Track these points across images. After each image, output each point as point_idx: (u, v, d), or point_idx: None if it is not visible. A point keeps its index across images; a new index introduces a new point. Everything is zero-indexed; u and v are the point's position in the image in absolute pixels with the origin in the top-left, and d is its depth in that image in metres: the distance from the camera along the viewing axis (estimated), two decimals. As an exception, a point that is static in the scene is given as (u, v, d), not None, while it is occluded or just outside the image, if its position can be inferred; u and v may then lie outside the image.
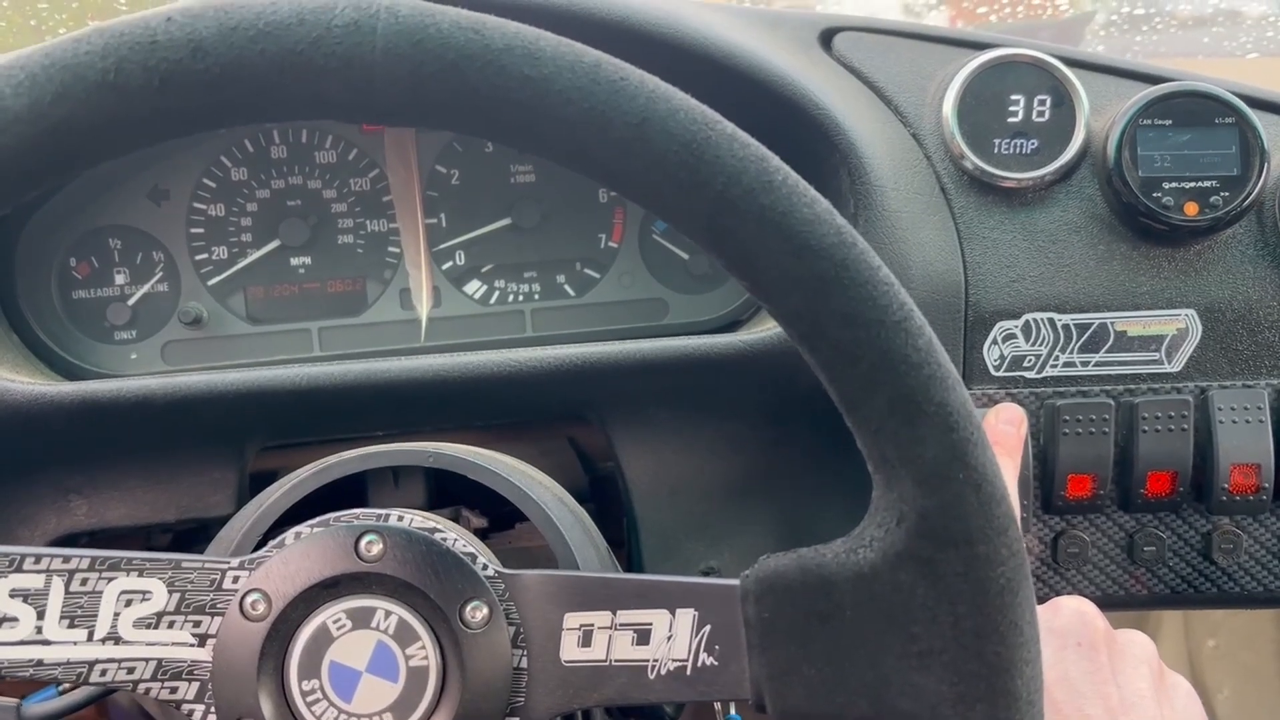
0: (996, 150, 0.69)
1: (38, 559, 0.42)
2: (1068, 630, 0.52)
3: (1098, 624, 0.52)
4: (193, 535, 0.71)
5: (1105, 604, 0.73)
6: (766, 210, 0.38)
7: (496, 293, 0.79)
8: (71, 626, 0.42)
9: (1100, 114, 0.70)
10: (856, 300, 0.38)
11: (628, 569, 0.74)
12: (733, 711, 0.69)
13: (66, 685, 0.58)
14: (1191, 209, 0.67)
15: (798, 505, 0.74)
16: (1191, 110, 0.68)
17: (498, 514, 0.67)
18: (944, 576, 0.38)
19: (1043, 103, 0.69)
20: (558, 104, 0.37)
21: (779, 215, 0.38)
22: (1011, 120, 0.69)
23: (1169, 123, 0.68)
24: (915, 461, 0.38)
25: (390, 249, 0.78)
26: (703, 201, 0.38)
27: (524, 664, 0.43)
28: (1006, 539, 0.39)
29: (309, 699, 0.43)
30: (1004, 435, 0.62)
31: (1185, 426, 0.68)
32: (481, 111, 0.38)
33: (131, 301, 0.75)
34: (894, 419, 0.38)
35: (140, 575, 0.43)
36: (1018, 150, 0.69)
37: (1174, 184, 0.67)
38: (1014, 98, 0.69)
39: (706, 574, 0.73)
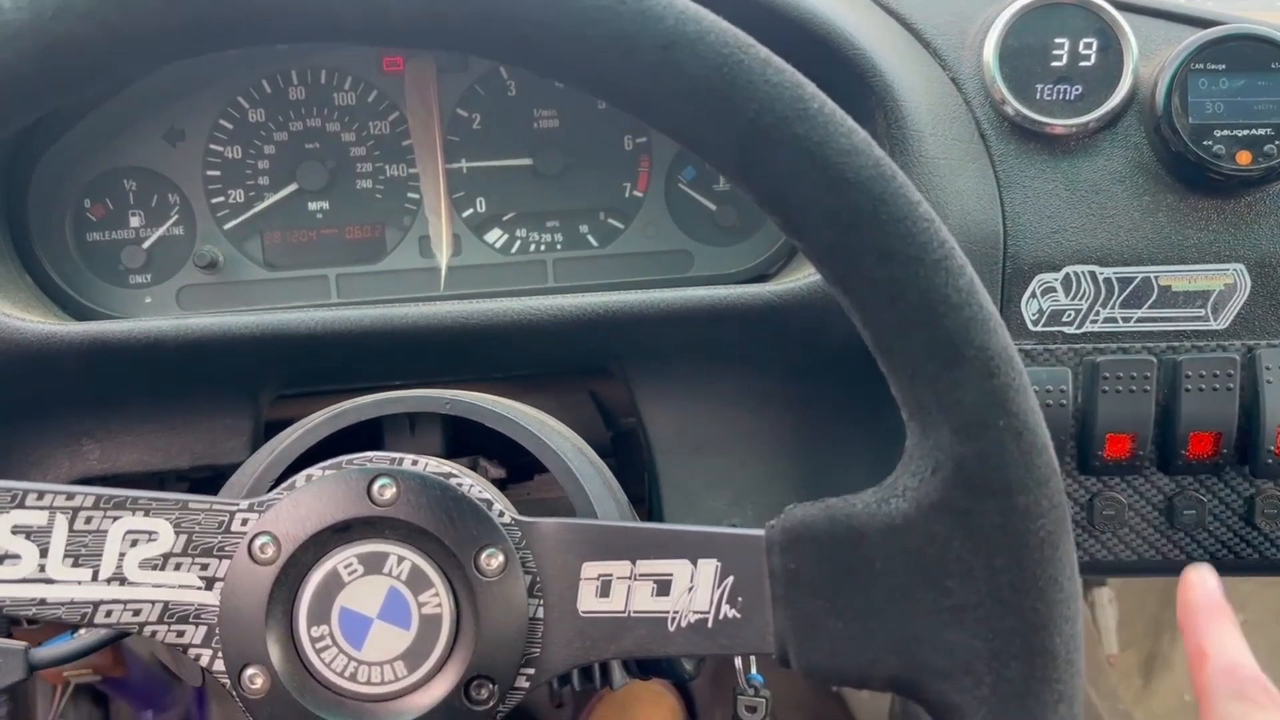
0: (1039, 96, 0.67)
1: (40, 495, 0.41)
2: None
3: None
4: (207, 484, 0.70)
5: (1141, 569, 0.71)
6: (801, 140, 0.36)
7: (518, 242, 0.78)
8: (75, 565, 0.41)
9: (1149, 59, 0.67)
10: (894, 236, 0.36)
11: (648, 525, 0.73)
12: (753, 670, 0.68)
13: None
14: (1244, 158, 0.64)
15: (823, 462, 0.72)
16: (1245, 54, 0.65)
17: (516, 465, 0.66)
18: (981, 528, 0.37)
19: (1088, 46, 0.66)
20: (580, 24, 0.35)
21: (814, 145, 0.36)
22: (1055, 64, 0.67)
23: (1221, 67, 0.65)
24: (953, 407, 0.36)
25: (410, 195, 0.76)
26: (733, 130, 0.36)
27: (540, 614, 0.42)
28: (1048, 490, 0.37)
29: (318, 646, 0.42)
30: (1210, 595, 0.54)
31: (1231, 386, 0.66)
32: (500, 33, 0.36)
33: (146, 245, 0.74)
34: (932, 362, 0.36)
35: (146, 515, 0.42)
36: (1061, 96, 0.67)
37: (1226, 132, 0.64)
38: (1058, 41, 0.66)
39: None
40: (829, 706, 1.30)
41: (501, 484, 0.63)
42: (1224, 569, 0.71)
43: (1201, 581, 0.55)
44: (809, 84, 0.37)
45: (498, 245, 0.77)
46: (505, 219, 0.77)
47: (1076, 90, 0.66)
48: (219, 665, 0.42)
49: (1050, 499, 0.37)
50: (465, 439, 0.62)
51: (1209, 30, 0.66)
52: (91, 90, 0.36)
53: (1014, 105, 0.66)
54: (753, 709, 0.66)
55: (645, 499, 0.74)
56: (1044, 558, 0.37)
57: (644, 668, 0.70)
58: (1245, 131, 0.64)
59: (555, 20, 0.35)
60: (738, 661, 0.67)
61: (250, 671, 0.42)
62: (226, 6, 0.35)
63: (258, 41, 0.36)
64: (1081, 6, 0.67)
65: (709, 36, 0.36)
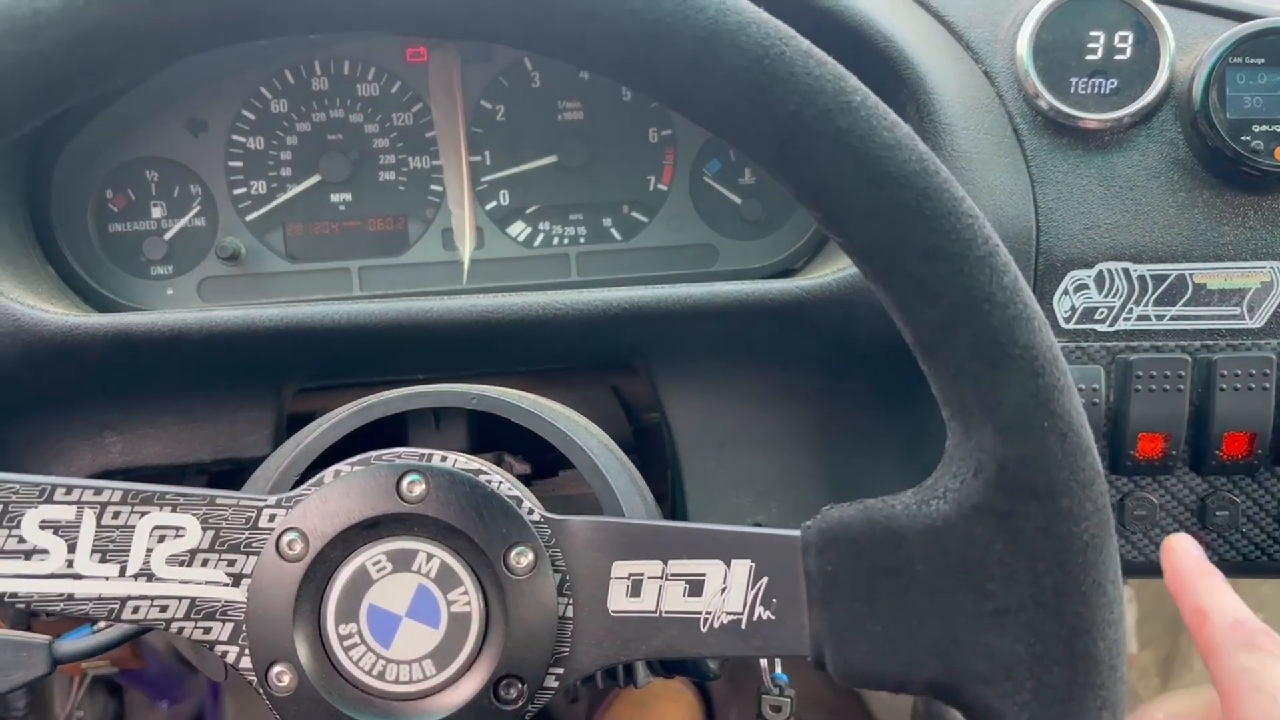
0: (1073, 90, 0.66)
1: (69, 490, 0.40)
2: None
3: None
4: (228, 477, 0.70)
5: (1171, 570, 0.70)
6: (843, 133, 0.35)
7: (541, 235, 0.77)
8: (103, 561, 0.41)
9: (1186, 52, 0.66)
10: (939, 233, 0.35)
11: (671, 522, 0.72)
12: (778, 670, 0.67)
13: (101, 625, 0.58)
14: (1283, 154, 0.63)
15: (849, 459, 0.71)
16: (1285, 48, 0.64)
17: (541, 461, 0.65)
18: (1024, 531, 0.36)
19: (1124, 39, 0.65)
20: (620, 15, 0.35)
21: (857, 139, 0.35)
22: (1090, 58, 0.66)
23: (1260, 61, 0.64)
24: (997, 408, 0.36)
25: (433, 187, 0.76)
26: (774, 123, 0.35)
27: (569, 613, 0.42)
28: (1092, 493, 0.36)
29: (346, 643, 0.41)
30: (1200, 560, 0.54)
31: (1267, 386, 0.65)
32: (538, 21, 0.35)
33: (168, 236, 0.74)
34: (975, 362, 0.36)
35: (174, 511, 0.41)
36: (1096, 90, 0.66)
37: (1264, 127, 0.63)
38: (1093, 34, 0.65)
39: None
40: (849, 705, 1.29)
41: (526, 480, 0.62)
42: (1257, 571, 0.71)
43: (1185, 548, 0.55)
44: (851, 77, 0.36)
45: (520, 238, 0.77)
46: (528, 212, 0.77)
47: (1112, 84, 0.65)
48: (245, 662, 0.42)
49: (1094, 501, 0.36)
50: (490, 434, 0.62)
51: (1248, 23, 0.64)
52: (125, 78, 0.36)
53: (1048, 99, 0.65)
54: (777, 708, 0.66)
55: (667, 495, 0.73)
56: (1087, 561, 0.36)
57: (668, 666, 0.70)
58: (1284, 127, 0.63)
59: (595, 10, 0.35)
60: (763, 661, 0.67)
61: (277, 669, 0.41)
62: None
63: (294, 32, 0.36)
64: (1117, -1, 0.66)
65: (751, 28, 0.35)
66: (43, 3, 0.34)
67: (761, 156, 0.37)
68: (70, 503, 0.40)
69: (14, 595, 0.40)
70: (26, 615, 0.77)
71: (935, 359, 0.37)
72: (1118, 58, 0.65)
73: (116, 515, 0.41)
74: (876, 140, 0.35)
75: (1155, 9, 0.65)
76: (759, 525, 0.71)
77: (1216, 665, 0.49)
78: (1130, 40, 0.65)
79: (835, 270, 0.65)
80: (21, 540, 0.40)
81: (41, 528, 0.40)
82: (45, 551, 0.40)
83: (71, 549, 0.40)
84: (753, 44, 0.35)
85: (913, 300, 0.36)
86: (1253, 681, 0.46)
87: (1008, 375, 0.35)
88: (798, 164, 0.36)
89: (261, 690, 0.41)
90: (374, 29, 0.36)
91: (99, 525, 0.41)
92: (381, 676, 0.41)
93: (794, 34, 0.36)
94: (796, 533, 0.40)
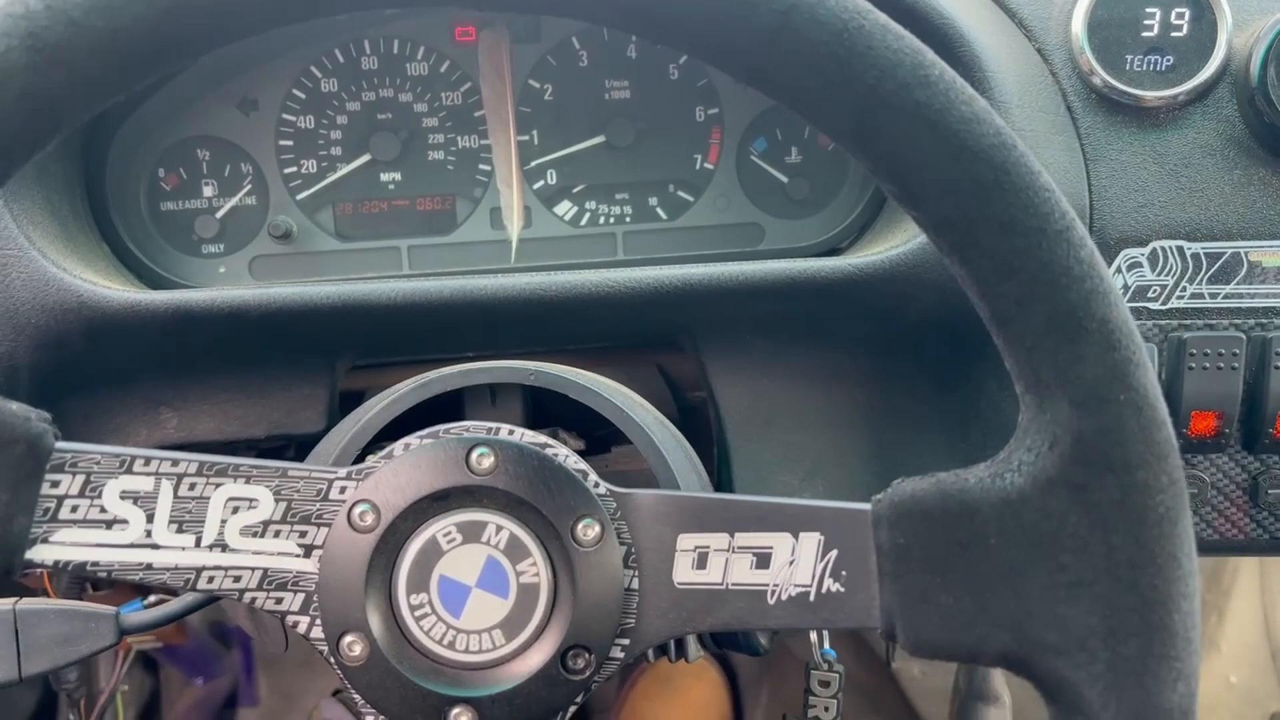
0: (1128, 67, 0.65)
1: (147, 461, 0.41)
2: None
3: None
4: (277, 454, 0.71)
5: (1223, 548, 0.70)
6: (922, 107, 0.35)
7: (588, 214, 0.77)
8: (180, 532, 0.41)
9: (1243, 29, 0.66)
10: (1016, 207, 0.35)
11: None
12: (826, 645, 0.68)
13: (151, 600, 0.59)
14: (1341, 131, 0.62)
15: (896, 438, 0.71)
16: (1345, 24, 0.63)
17: (590, 438, 0.66)
18: (1099, 504, 0.36)
19: (1180, 15, 0.65)
20: None
21: (935, 113, 0.35)
22: (1146, 35, 0.65)
23: (1319, 38, 0.63)
24: (1074, 381, 0.36)
25: (481, 166, 0.76)
26: (852, 96, 0.35)
27: (635, 585, 0.42)
28: (1167, 465, 0.36)
29: (417, 613, 0.42)
30: None
31: (1322, 364, 0.65)
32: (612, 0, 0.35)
33: (220, 214, 0.74)
34: (1052, 336, 0.36)
35: (247, 483, 0.42)
36: (1151, 67, 0.65)
37: (1322, 104, 0.63)
38: (1149, 10, 0.65)
39: None
40: (882, 685, 1.30)
41: (581, 455, 0.63)
42: (1308, 550, 0.70)
43: None
44: (929, 51, 0.36)
45: (567, 217, 0.77)
46: (575, 191, 0.77)
47: (1168, 61, 0.65)
48: (317, 632, 0.42)
49: (1169, 475, 0.36)
50: (544, 410, 0.62)
51: (1306, -1, 0.64)
52: (197, 57, 0.36)
53: (1102, 76, 0.65)
54: (826, 684, 0.66)
55: (713, 474, 0.74)
56: (1163, 534, 0.36)
57: (719, 641, 0.70)
58: (1343, 104, 0.63)
59: None
60: (812, 636, 0.67)
61: (349, 639, 0.42)
62: None
63: (370, 7, 0.36)
64: (1174, -25, 0.65)
65: (829, 2, 0.35)
66: None
67: (838, 131, 0.37)
68: (149, 474, 0.41)
69: (95, 564, 0.40)
70: (79, 587, 0.78)
71: (1011, 332, 0.37)
72: (1174, 34, 0.65)
73: (193, 486, 0.41)
74: (954, 114, 0.35)
75: (1212, -15, 0.65)
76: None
77: None
78: (1187, 17, 0.65)
79: (886, 249, 0.65)
80: (103, 510, 0.40)
81: (121, 498, 0.41)
82: (125, 522, 0.41)
83: (150, 519, 0.41)
84: (831, 18, 0.35)
85: (989, 274, 0.36)
86: None
87: (1084, 349, 0.36)
88: (875, 138, 0.36)
89: (333, 660, 0.42)
90: (445, 4, 0.36)
91: (176, 496, 0.41)
92: (452, 646, 0.42)
93: (871, 8, 0.36)
94: (867, 506, 0.40)
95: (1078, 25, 0.65)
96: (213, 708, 1.39)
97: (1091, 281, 0.36)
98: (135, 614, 0.54)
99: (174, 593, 0.53)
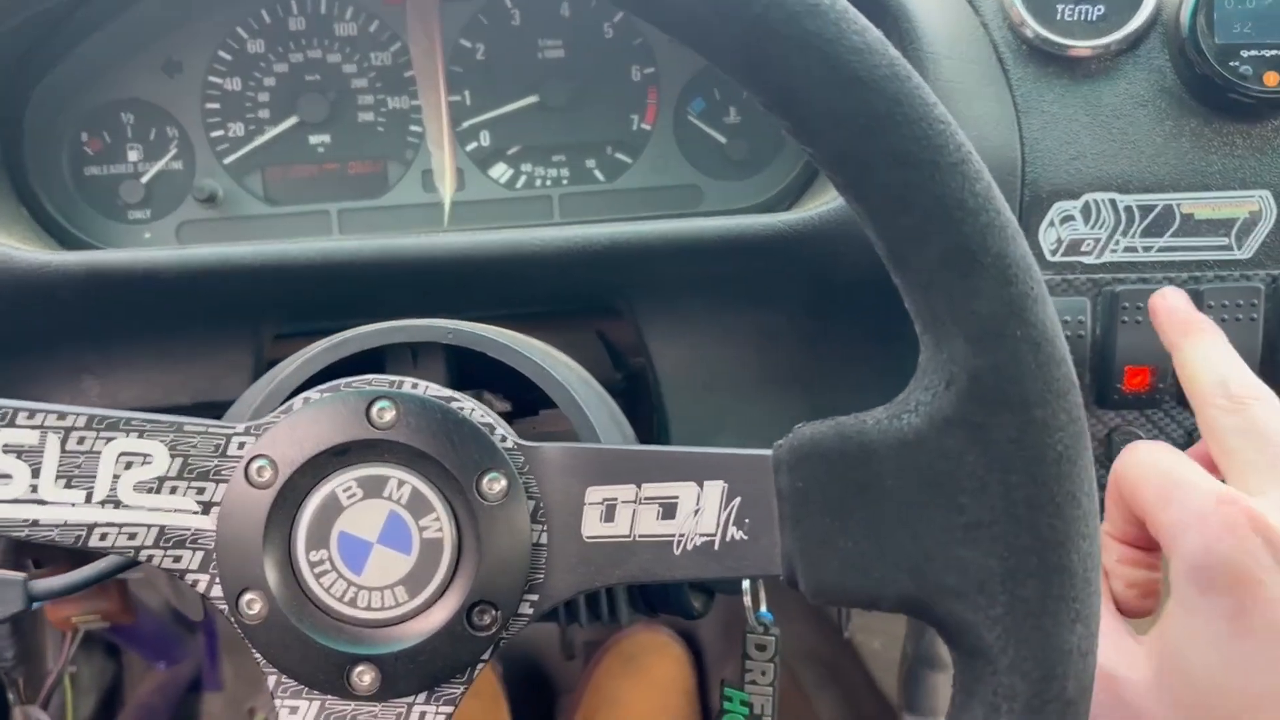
0: (1059, 16, 0.64)
1: (31, 414, 0.40)
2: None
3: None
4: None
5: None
6: (812, 36, 0.34)
7: (523, 176, 0.76)
8: (68, 487, 0.40)
9: (1174, -23, 0.65)
10: (910, 139, 0.35)
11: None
12: (763, 608, 0.67)
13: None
14: (1272, 79, 0.62)
15: (835, 400, 0.71)
16: (1276, -29, 0.63)
17: (522, 400, 0.65)
18: (996, 443, 0.35)
19: (1112, -35, 0.64)
20: None
21: (826, 42, 0.34)
22: (1076, -16, 0.64)
23: (1251, -16, 0.62)
24: (968, 318, 0.35)
25: (412, 128, 0.75)
26: (740, 25, 0.34)
27: (544, 539, 0.41)
28: (1066, 403, 0.35)
29: (317, 570, 0.41)
30: (1188, 312, 0.56)
31: (1255, 317, 0.64)
32: None
33: (145, 179, 0.73)
34: (946, 271, 0.35)
35: (140, 437, 0.41)
36: (1082, 16, 0.64)
37: (1253, 52, 0.62)
38: (1080, -40, 0.64)
39: None
40: (840, 655, 1.30)
41: (507, 417, 0.62)
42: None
43: (1173, 304, 0.57)
44: None
45: (502, 180, 0.76)
46: (510, 153, 0.76)
47: (1098, 10, 0.64)
48: (216, 591, 0.41)
49: (1069, 412, 0.36)
50: (470, 372, 0.61)
51: (1237, -53, 0.63)
52: None
53: (1033, 27, 0.64)
54: (762, 647, 0.65)
55: (655, 439, 0.73)
56: (1061, 473, 0.35)
57: (651, 604, 0.70)
58: (1273, 52, 0.62)
59: None
60: (747, 600, 0.67)
61: (248, 597, 0.41)
62: None
63: None
64: (1104, -77, 0.64)
65: None
66: None
67: (730, 63, 0.36)
68: (33, 427, 0.40)
69: None
70: (14, 560, 0.77)
71: (907, 269, 0.36)
72: (1105, -17, 0.64)
73: (81, 440, 0.40)
74: (846, 44, 0.34)
75: (1143, -68, 0.64)
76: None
77: (1201, 422, 0.50)
78: (1118, -34, 0.64)
79: (818, 205, 0.64)
80: None
81: (4, 452, 0.39)
82: (8, 476, 0.40)
83: (35, 474, 0.40)
84: None
85: (884, 209, 0.35)
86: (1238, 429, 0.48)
87: (979, 283, 0.35)
88: (764, 69, 0.35)
89: (233, 619, 0.41)
90: None
91: (64, 450, 0.40)
92: (353, 603, 0.41)
93: None
94: (768, 451, 0.39)
95: (1008, -26, 0.64)
96: (175, 691, 1.38)
97: (988, 215, 0.35)
98: (44, 580, 0.53)
99: (73, 553, 0.51)
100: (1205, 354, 0.52)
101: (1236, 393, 0.49)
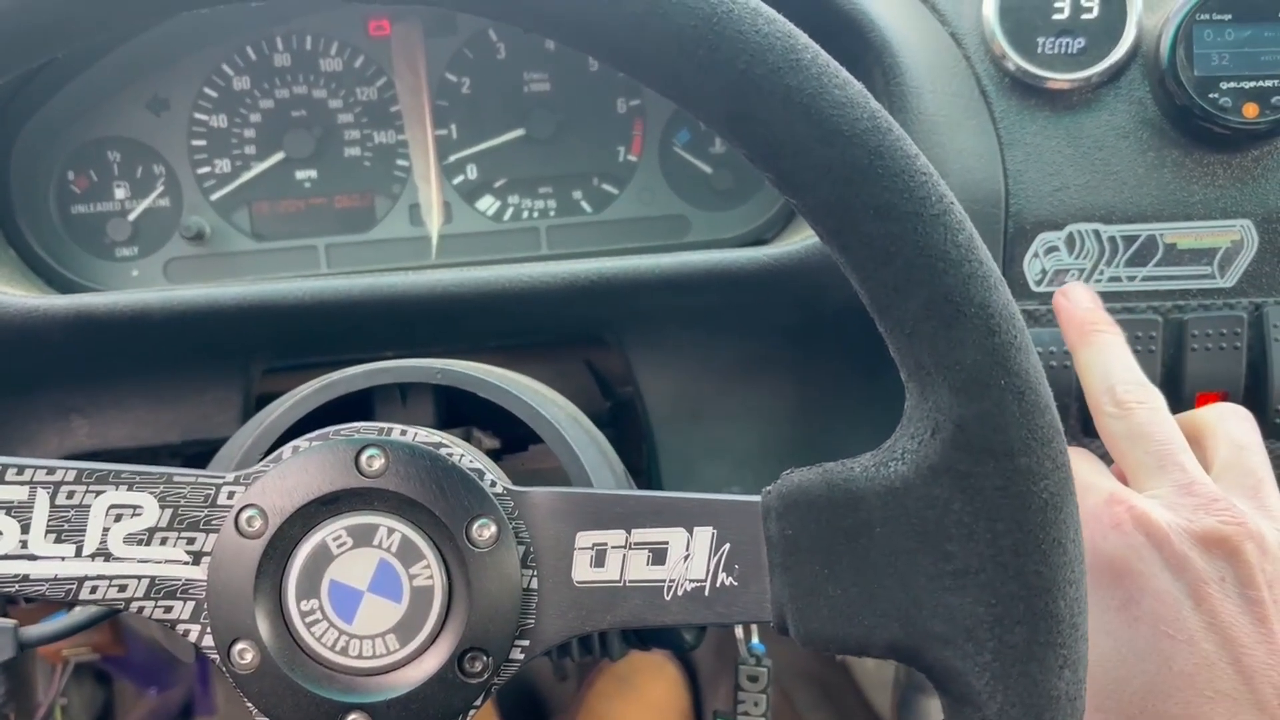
0: (1040, 50, 0.65)
1: (20, 470, 0.40)
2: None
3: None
4: (198, 459, 0.69)
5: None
6: (793, 91, 0.35)
7: (510, 209, 0.76)
8: (58, 541, 0.40)
9: (1153, 10, 0.66)
10: (891, 191, 0.35)
11: (647, 494, 0.72)
12: (755, 640, 0.67)
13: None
14: (1251, 110, 0.62)
15: (822, 428, 0.71)
16: (1252, 4, 0.63)
17: (511, 436, 0.65)
18: (982, 490, 0.36)
19: (1091, -2, 0.65)
20: None
21: (807, 97, 0.35)
22: (1057, 17, 0.65)
23: (1228, 18, 0.63)
24: (953, 367, 0.35)
25: (399, 162, 0.75)
26: (723, 82, 0.35)
27: (534, 584, 0.41)
28: (1050, 451, 0.36)
29: (308, 619, 0.41)
30: (1088, 314, 0.56)
31: (1238, 345, 0.65)
32: None
33: (132, 217, 0.73)
34: (930, 321, 0.35)
35: (130, 489, 0.41)
36: (1063, 50, 0.65)
37: (1232, 84, 0.63)
38: (1060, -8, 0.65)
39: None
40: (834, 676, 1.30)
41: (496, 455, 0.62)
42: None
43: (1075, 300, 0.56)
44: (801, 34, 0.35)
45: (490, 212, 0.76)
46: (497, 185, 0.76)
47: (1079, 43, 0.65)
48: (208, 640, 0.41)
49: (1053, 460, 0.36)
50: (459, 410, 0.61)
51: (1215, -20, 0.64)
52: (69, 48, 0.35)
53: (1015, 60, 0.65)
54: (754, 679, 0.66)
55: (643, 469, 0.73)
56: (1047, 520, 0.36)
57: (643, 638, 0.70)
58: (1252, 83, 0.63)
59: None
60: (739, 631, 0.67)
61: (240, 646, 0.41)
62: None
63: None
64: (1084, -43, 0.65)
65: None
66: None
67: (712, 118, 0.36)
68: (22, 483, 0.40)
69: None
70: (3, 602, 0.77)
71: (891, 319, 0.36)
72: (1084, 16, 0.65)
73: (71, 495, 0.40)
74: (827, 98, 0.35)
75: (1122, -34, 0.65)
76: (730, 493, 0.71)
77: (1097, 427, 0.52)
78: (1097, -1, 0.65)
79: (803, 238, 0.64)
80: None
81: None
82: None
83: (25, 529, 0.40)
84: (699, 3, 0.34)
85: (867, 260, 0.36)
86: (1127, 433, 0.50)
87: (963, 333, 0.35)
88: (747, 123, 0.35)
89: (225, 668, 0.41)
90: None
91: (53, 505, 0.40)
92: (344, 652, 0.41)
93: None
94: (757, 498, 0.39)
95: (989, 9, 0.65)
96: (168, 718, 1.38)
97: (970, 265, 0.35)
98: (36, 627, 0.53)
99: (60, 605, 0.51)
100: (1095, 359, 0.53)
101: (1122, 398, 0.50)
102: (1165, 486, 0.47)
